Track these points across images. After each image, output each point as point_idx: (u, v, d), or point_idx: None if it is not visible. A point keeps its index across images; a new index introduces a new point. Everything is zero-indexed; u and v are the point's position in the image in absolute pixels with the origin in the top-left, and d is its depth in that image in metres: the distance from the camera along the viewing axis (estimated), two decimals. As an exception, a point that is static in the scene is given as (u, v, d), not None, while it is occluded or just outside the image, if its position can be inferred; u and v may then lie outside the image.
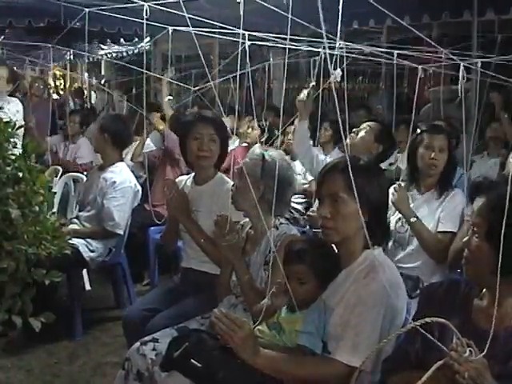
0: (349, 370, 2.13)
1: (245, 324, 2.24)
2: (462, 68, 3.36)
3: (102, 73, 14.02)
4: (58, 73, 13.69)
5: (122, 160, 4.87)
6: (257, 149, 3.03)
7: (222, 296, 3.01)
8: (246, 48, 2.98)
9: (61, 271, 2.22)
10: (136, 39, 9.76)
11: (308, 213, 4.71)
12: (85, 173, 5.93)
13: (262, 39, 3.91)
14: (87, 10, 3.61)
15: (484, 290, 1.92)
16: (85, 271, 4.97)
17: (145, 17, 2.94)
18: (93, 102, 12.18)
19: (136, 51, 11.18)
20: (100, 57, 12.34)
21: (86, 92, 11.80)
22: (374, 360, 2.16)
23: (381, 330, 2.17)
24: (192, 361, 2.38)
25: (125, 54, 11.75)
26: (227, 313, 2.28)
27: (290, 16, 2.24)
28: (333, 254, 2.40)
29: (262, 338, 2.36)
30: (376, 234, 2.24)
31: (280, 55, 8.75)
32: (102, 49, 11.46)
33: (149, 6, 2.98)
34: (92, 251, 4.50)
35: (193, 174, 3.68)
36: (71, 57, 11.11)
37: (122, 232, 4.60)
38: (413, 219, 3.51)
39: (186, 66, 10.17)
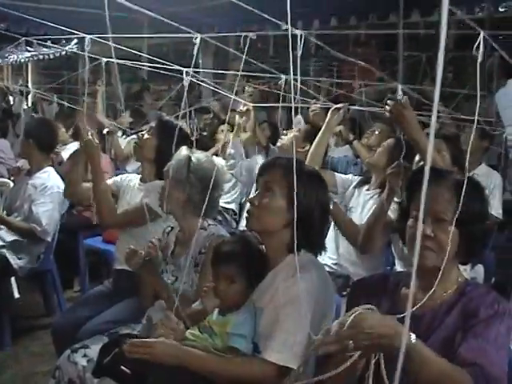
0: (278, 369, 2.15)
1: (156, 343, 2.21)
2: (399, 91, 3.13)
3: (29, 76, 13.68)
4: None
5: (50, 164, 4.78)
6: (183, 150, 3.01)
7: (148, 305, 2.97)
8: (185, 84, 2.96)
9: (-13, 280, 2.17)
10: (63, 41, 9.56)
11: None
12: (12, 178, 5.78)
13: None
14: (23, 38, 3.83)
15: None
16: (13, 279, 4.84)
17: (86, 49, 2.96)
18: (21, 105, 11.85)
19: (63, 53, 10.96)
20: (25, 59, 12.05)
21: (9, 95, 11.47)
22: (307, 359, 2.18)
23: (310, 328, 2.19)
24: (122, 367, 2.36)
25: (52, 56, 11.51)
26: (132, 341, 2.25)
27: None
28: (261, 254, 2.40)
29: (195, 342, 2.36)
30: (307, 241, 2.25)
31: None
32: (29, 51, 11.18)
33: (91, 38, 3.01)
34: (20, 258, 4.40)
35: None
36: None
37: (49, 239, 4.51)
38: None
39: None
